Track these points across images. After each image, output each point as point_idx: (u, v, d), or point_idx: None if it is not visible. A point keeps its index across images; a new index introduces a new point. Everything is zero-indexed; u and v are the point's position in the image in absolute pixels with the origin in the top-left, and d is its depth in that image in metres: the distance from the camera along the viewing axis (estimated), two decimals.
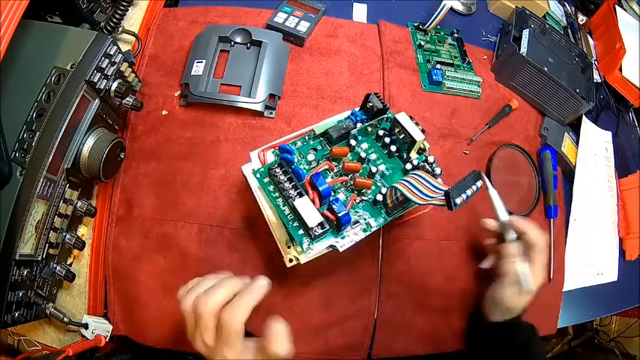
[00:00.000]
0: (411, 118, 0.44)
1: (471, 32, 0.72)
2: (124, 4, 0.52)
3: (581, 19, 0.86)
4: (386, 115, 0.46)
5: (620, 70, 0.77)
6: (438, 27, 0.68)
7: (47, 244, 0.40)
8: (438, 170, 0.43)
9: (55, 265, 0.42)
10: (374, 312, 0.52)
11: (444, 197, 0.36)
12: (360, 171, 0.43)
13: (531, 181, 0.64)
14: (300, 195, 0.37)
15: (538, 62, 0.64)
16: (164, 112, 0.56)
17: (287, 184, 0.38)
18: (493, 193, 0.44)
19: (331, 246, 0.39)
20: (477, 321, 0.51)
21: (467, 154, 0.61)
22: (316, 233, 0.36)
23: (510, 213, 0.48)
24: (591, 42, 0.85)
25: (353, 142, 0.43)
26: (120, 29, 0.56)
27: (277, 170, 0.39)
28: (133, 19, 0.60)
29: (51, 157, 0.38)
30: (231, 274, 0.40)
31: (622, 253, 0.68)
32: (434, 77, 0.63)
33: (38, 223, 0.38)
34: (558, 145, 0.67)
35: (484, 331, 0.49)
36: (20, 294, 0.38)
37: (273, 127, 0.56)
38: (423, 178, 0.38)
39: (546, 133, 0.66)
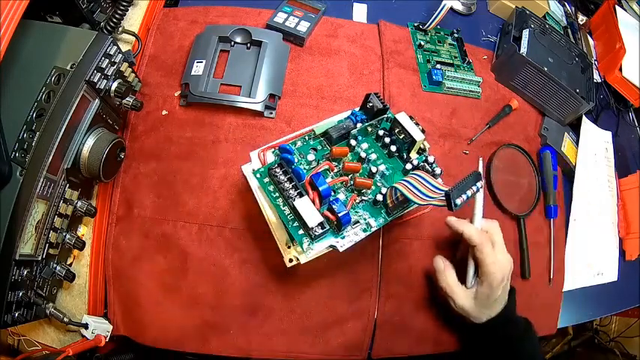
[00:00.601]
0: (411, 118, 0.44)
1: (471, 32, 0.72)
2: (124, 4, 0.52)
3: (581, 19, 0.86)
4: (386, 115, 0.46)
5: (620, 70, 0.77)
6: (438, 27, 0.68)
7: (47, 244, 0.40)
8: (438, 170, 0.43)
9: (55, 265, 0.42)
10: (374, 312, 0.52)
11: (444, 198, 0.36)
12: (360, 171, 0.43)
13: (531, 181, 0.64)
14: (300, 195, 0.37)
15: (538, 62, 0.64)
16: (164, 112, 0.56)
17: (287, 184, 0.38)
18: (479, 199, 0.48)
19: (331, 246, 0.39)
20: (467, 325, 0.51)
21: (467, 154, 0.61)
22: (316, 233, 0.36)
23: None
24: (591, 42, 0.85)
25: (353, 142, 0.43)
26: (120, 29, 0.56)
27: (277, 170, 0.39)
28: (133, 19, 0.60)
29: (51, 157, 0.38)
30: None
31: (622, 253, 0.68)
32: (434, 77, 0.63)
33: (38, 223, 0.38)
34: (558, 145, 0.67)
35: (478, 330, 0.48)
36: (20, 294, 0.38)
37: (273, 127, 0.56)
38: (423, 179, 0.38)
39: (546, 133, 0.66)
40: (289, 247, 0.43)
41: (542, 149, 0.65)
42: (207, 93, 0.55)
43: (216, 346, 0.49)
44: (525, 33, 0.67)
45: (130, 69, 0.49)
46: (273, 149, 0.43)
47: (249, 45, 0.58)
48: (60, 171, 0.40)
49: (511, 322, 0.49)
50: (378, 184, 0.43)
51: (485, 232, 0.48)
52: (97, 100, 0.44)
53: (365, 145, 0.44)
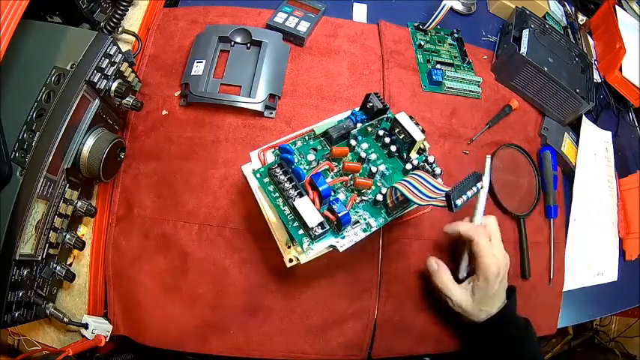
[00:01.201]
0: (411, 118, 0.44)
1: (471, 32, 0.72)
2: (124, 4, 0.52)
3: (581, 19, 0.86)
4: (386, 115, 0.46)
5: (620, 70, 0.77)
6: (438, 27, 0.68)
7: (47, 244, 0.40)
8: (438, 170, 0.43)
9: (55, 265, 0.42)
10: (374, 312, 0.52)
11: (444, 198, 0.36)
12: (360, 171, 0.43)
13: (531, 181, 0.64)
14: (300, 195, 0.37)
15: (538, 62, 0.64)
16: (164, 112, 0.56)
17: (287, 184, 0.38)
18: (483, 196, 0.50)
19: (331, 246, 0.39)
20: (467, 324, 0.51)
21: (467, 154, 0.61)
22: (316, 233, 0.36)
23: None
24: (591, 42, 0.85)
25: (353, 142, 0.43)
26: (120, 29, 0.56)
27: (277, 170, 0.39)
28: (133, 19, 0.60)
29: (51, 157, 0.38)
30: None
31: (622, 253, 0.68)
32: (434, 77, 0.63)
33: (38, 223, 0.38)
34: (558, 145, 0.67)
35: (478, 329, 0.49)
36: (20, 294, 0.38)
37: (273, 127, 0.56)
38: (423, 179, 0.38)
39: (546, 133, 0.66)
40: (289, 247, 0.43)
41: (542, 149, 0.65)
42: (207, 93, 0.55)
43: (216, 346, 0.49)
44: (525, 33, 0.67)
45: (130, 69, 0.49)
46: (273, 149, 0.43)
47: (249, 45, 0.58)
48: (60, 171, 0.40)
49: (511, 321, 0.49)
50: (378, 184, 0.43)
51: (482, 227, 0.50)
52: (97, 100, 0.44)
53: (365, 145, 0.44)
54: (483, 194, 0.50)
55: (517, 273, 0.59)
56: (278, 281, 0.51)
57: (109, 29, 0.53)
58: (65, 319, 0.43)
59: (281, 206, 0.39)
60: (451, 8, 0.72)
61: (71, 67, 0.40)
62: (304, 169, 0.41)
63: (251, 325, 0.50)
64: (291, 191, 0.38)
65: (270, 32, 0.59)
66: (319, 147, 0.44)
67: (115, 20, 0.53)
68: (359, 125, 0.44)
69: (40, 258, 0.40)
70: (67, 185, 0.42)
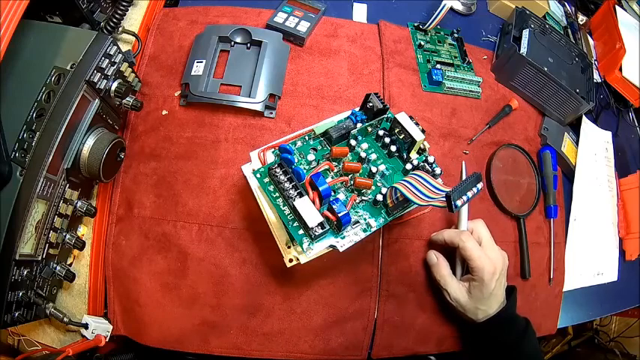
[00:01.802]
0: (411, 118, 0.44)
1: (471, 32, 0.72)
2: (124, 4, 0.52)
3: (581, 19, 0.86)
4: (386, 115, 0.46)
5: (620, 70, 0.77)
6: (438, 27, 0.68)
7: (47, 244, 0.40)
8: (438, 170, 0.43)
9: (55, 265, 0.42)
10: (374, 312, 0.52)
11: (444, 199, 0.36)
12: (360, 171, 0.43)
13: (531, 181, 0.64)
14: (300, 195, 0.37)
15: (538, 62, 0.64)
16: (164, 112, 0.56)
17: (287, 184, 0.38)
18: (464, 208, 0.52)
19: (331, 246, 0.39)
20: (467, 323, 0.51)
21: (467, 154, 0.61)
22: (316, 233, 0.36)
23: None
24: (591, 42, 0.85)
25: (353, 142, 0.43)
26: (120, 29, 0.56)
27: (277, 170, 0.39)
28: (133, 19, 0.60)
29: (51, 157, 0.38)
30: None
31: (622, 253, 0.68)
32: (434, 77, 0.63)
33: (38, 223, 0.38)
34: (558, 145, 0.67)
35: (479, 329, 0.49)
36: (20, 294, 0.38)
37: (273, 127, 0.56)
38: (423, 179, 0.38)
39: (546, 133, 0.66)
40: (289, 247, 0.43)
41: (542, 149, 0.66)
42: (207, 93, 0.55)
43: (216, 346, 0.49)
44: (525, 33, 0.67)
45: (130, 69, 0.49)
46: (273, 149, 0.43)
47: (249, 45, 0.58)
48: (60, 171, 0.40)
49: (511, 322, 0.49)
50: (378, 184, 0.43)
51: (467, 232, 0.50)
52: (97, 100, 0.44)
53: (365, 145, 0.44)
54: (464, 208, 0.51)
55: (517, 273, 0.59)
56: (278, 281, 0.51)
57: (109, 29, 0.53)
58: (65, 319, 0.43)
59: (281, 206, 0.39)
60: (451, 8, 0.72)
61: (71, 67, 0.39)
62: (304, 169, 0.41)
63: (251, 325, 0.50)
64: (291, 191, 0.38)
65: (270, 32, 0.59)
66: (319, 147, 0.44)
67: (115, 20, 0.53)
68: (359, 125, 0.44)
69: (40, 258, 0.40)
70: (67, 185, 0.42)
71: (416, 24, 0.68)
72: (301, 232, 0.38)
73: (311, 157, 0.42)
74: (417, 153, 0.45)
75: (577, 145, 0.69)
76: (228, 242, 0.51)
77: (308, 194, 0.38)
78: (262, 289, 0.51)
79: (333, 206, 0.37)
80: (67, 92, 0.39)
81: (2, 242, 0.34)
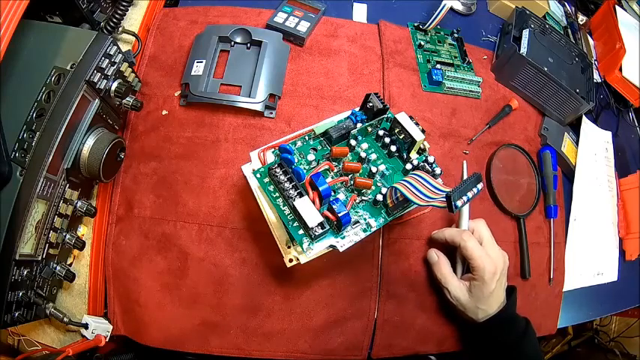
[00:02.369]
0: (411, 118, 0.44)
1: (471, 32, 0.72)
2: (124, 4, 0.52)
3: (581, 19, 0.86)
4: (386, 115, 0.46)
5: (620, 70, 0.77)
6: (438, 27, 0.68)
7: (47, 244, 0.40)
8: (438, 170, 0.43)
9: (55, 265, 0.42)
10: (374, 312, 0.52)
11: (444, 199, 0.36)
12: (360, 171, 0.43)
13: (531, 181, 0.64)
14: (300, 195, 0.37)
15: (538, 62, 0.64)
16: (164, 112, 0.56)
17: (287, 184, 0.38)
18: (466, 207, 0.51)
19: (331, 246, 0.39)
20: (467, 323, 0.51)
21: (467, 154, 0.61)
22: (316, 233, 0.36)
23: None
24: (591, 42, 0.84)
25: (353, 142, 0.43)
26: (120, 29, 0.56)
27: (277, 170, 0.39)
28: (133, 19, 0.60)
29: (51, 157, 0.38)
30: None
31: (622, 253, 0.68)
32: (434, 77, 0.63)
33: (38, 223, 0.38)
34: (558, 145, 0.67)
35: (479, 329, 0.49)
36: (20, 294, 0.38)
37: (273, 127, 0.56)
38: (423, 179, 0.38)
39: (546, 133, 0.66)
40: (289, 247, 0.43)
41: (542, 149, 0.66)
42: (207, 93, 0.55)
43: (216, 346, 0.49)
44: (525, 33, 0.67)
45: (130, 69, 0.49)
46: (273, 149, 0.43)
47: (249, 45, 0.58)
48: (60, 171, 0.40)
49: (511, 322, 0.49)
50: (378, 184, 0.43)
51: (469, 231, 0.50)
52: (97, 100, 0.44)
53: (365, 145, 0.44)
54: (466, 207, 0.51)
55: (517, 273, 0.59)
56: (278, 281, 0.51)
57: (109, 29, 0.53)
58: (65, 319, 0.43)
59: (281, 206, 0.39)
60: (451, 8, 0.72)
61: (71, 67, 0.40)
62: (304, 169, 0.41)
63: (251, 325, 0.50)
64: (291, 191, 0.38)
65: (270, 32, 0.59)
66: (319, 147, 0.44)
67: (115, 20, 0.53)
68: (359, 125, 0.44)
69: (40, 258, 0.40)
70: (67, 185, 0.42)
71: (416, 24, 0.68)
72: (301, 232, 0.38)
73: (311, 157, 0.42)
74: (417, 153, 0.45)
75: (577, 145, 0.69)
76: (228, 242, 0.51)
77: (308, 194, 0.38)
78: (262, 289, 0.51)
79: (333, 206, 0.37)
80: (67, 92, 0.39)
81: (2, 242, 0.34)
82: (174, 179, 0.53)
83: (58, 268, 0.43)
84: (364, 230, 0.40)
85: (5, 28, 0.33)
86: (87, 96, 0.42)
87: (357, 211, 0.41)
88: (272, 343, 0.50)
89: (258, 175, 0.40)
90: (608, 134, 0.74)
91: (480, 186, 0.38)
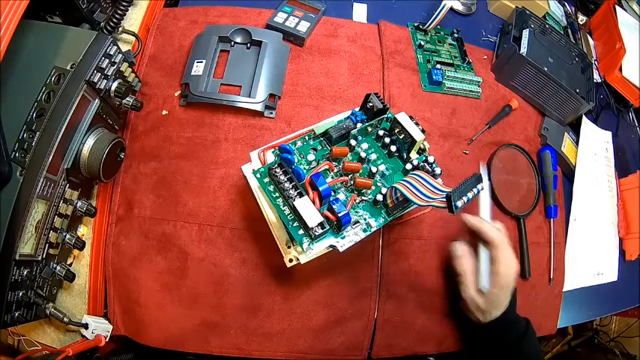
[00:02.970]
0: (411, 118, 0.44)
1: (471, 32, 0.72)
2: (124, 4, 0.52)
3: (581, 19, 0.87)
4: (386, 115, 0.46)
5: (620, 70, 0.77)
6: (438, 27, 0.68)
7: (47, 244, 0.40)
8: (438, 170, 0.43)
9: (55, 265, 0.42)
10: (374, 312, 0.52)
11: (444, 199, 0.36)
12: (360, 171, 0.43)
13: (531, 181, 0.64)
14: (300, 195, 0.37)
15: (538, 62, 0.64)
16: (164, 112, 0.56)
17: (287, 184, 0.38)
18: (485, 195, 0.47)
19: (331, 246, 0.39)
20: (469, 322, 0.50)
21: (467, 154, 0.61)
22: (316, 233, 0.36)
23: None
24: (591, 42, 0.85)
25: (353, 142, 0.43)
26: (120, 29, 0.56)
27: (277, 170, 0.39)
28: (133, 19, 0.60)
29: (51, 157, 0.38)
30: None
31: (622, 253, 0.68)
32: (434, 77, 0.63)
33: (38, 223, 0.38)
34: (558, 145, 0.67)
35: (480, 330, 0.48)
36: (20, 294, 0.38)
37: (273, 127, 0.56)
38: (423, 179, 0.38)
39: (546, 133, 0.66)
40: (289, 247, 0.43)
41: (542, 149, 0.66)
42: (207, 93, 0.55)
43: (217, 346, 0.49)
44: (525, 33, 0.67)
45: (130, 69, 0.49)
46: (273, 149, 0.43)
47: (249, 45, 0.58)
48: (60, 171, 0.40)
49: (512, 323, 0.49)
50: (378, 184, 0.43)
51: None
52: (97, 100, 0.44)
53: (365, 145, 0.44)
54: (485, 199, 0.48)
55: (517, 273, 0.59)
56: (278, 281, 0.51)
57: (109, 29, 0.53)
58: (65, 319, 0.43)
59: (281, 206, 0.39)
60: (451, 8, 0.72)
61: (71, 67, 0.40)
62: (304, 169, 0.41)
63: (251, 325, 0.50)
64: (291, 191, 0.38)
65: (270, 32, 0.59)
66: (319, 147, 0.44)
67: (115, 20, 0.53)
68: (359, 125, 0.44)
69: (40, 258, 0.40)
70: (67, 185, 0.42)
71: (416, 24, 0.68)
72: (301, 232, 0.38)
73: (311, 157, 0.42)
74: (417, 153, 0.45)
75: (577, 145, 0.69)
76: (228, 242, 0.51)
77: (308, 194, 0.38)
78: (262, 289, 0.51)
79: (333, 206, 0.37)
80: (67, 92, 0.39)
81: (2, 242, 0.34)
82: (174, 179, 0.53)
83: (58, 268, 0.43)
84: (364, 230, 0.40)
85: (5, 28, 0.33)
86: (87, 96, 0.42)
87: (357, 211, 0.41)
88: (272, 343, 0.50)
89: (258, 175, 0.40)
90: (608, 134, 0.74)
91: (480, 186, 0.38)
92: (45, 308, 0.42)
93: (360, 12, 0.69)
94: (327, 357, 0.51)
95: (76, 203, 0.43)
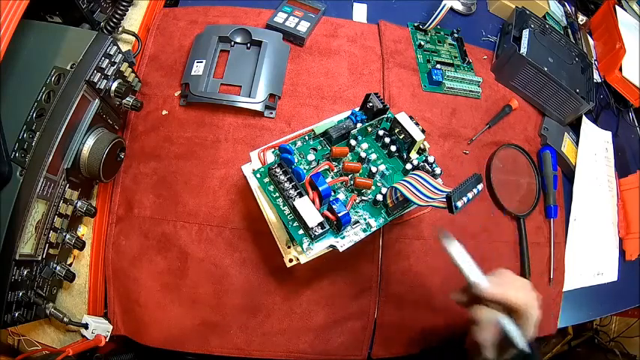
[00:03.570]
0: (411, 118, 0.44)
1: (471, 32, 0.72)
2: (124, 4, 0.52)
3: (581, 19, 0.87)
4: (386, 115, 0.46)
5: (620, 70, 0.77)
6: (438, 27, 0.68)
7: (47, 244, 0.40)
8: (438, 170, 0.43)
9: (55, 265, 0.42)
10: (374, 312, 0.52)
11: (444, 199, 0.36)
12: (360, 171, 0.43)
13: (531, 181, 0.64)
14: (300, 195, 0.37)
15: (538, 62, 0.64)
16: (164, 112, 0.56)
17: (287, 184, 0.38)
18: (461, 257, 0.38)
19: (331, 246, 0.39)
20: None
21: (467, 154, 0.61)
22: (316, 233, 0.36)
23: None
24: (591, 42, 0.85)
25: (353, 142, 0.43)
26: (120, 29, 0.56)
27: (277, 170, 0.39)
28: (133, 19, 0.60)
29: (51, 157, 0.38)
30: None
31: (622, 253, 0.68)
32: (434, 77, 0.63)
33: (38, 223, 0.38)
34: (558, 145, 0.67)
35: None
36: (20, 294, 0.38)
37: (273, 127, 0.56)
38: (423, 179, 0.38)
39: (546, 133, 0.66)
40: (289, 247, 0.43)
41: (542, 149, 0.66)
42: (207, 93, 0.55)
43: (217, 346, 0.49)
44: (525, 33, 0.67)
45: (130, 69, 0.49)
46: (273, 149, 0.43)
47: (249, 45, 0.58)
48: (60, 171, 0.40)
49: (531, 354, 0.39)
50: (378, 184, 0.43)
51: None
52: (97, 100, 0.44)
53: (365, 145, 0.44)
54: (459, 255, 0.39)
55: (517, 273, 0.59)
56: (278, 281, 0.51)
57: (109, 29, 0.53)
58: (65, 319, 0.43)
59: (281, 206, 0.39)
60: (451, 8, 0.72)
61: (71, 67, 0.40)
62: (304, 169, 0.41)
63: (251, 325, 0.50)
64: (291, 191, 0.38)
65: (270, 32, 0.59)
66: (319, 147, 0.44)
67: (115, 20, 0.53)
68: (359, 125, 0.44)
69: (40, 258, 0.40)
70: (67, 185, 0.42)
71: (416, 24, 0.68)
72: (301, 232, 0.38)
73: (311, 157, 0.42)
74: (417, 153, 0.45)
75: (577, 145, 0.69)
76: (228, 242, 0.51)
77: (308, 194, 0.38)
78: (262, 289, 0.51)
79: (333, 206, 0.37)
80: (67, 92, 0.39)
81: (2, 242, 0.34)
82: (174, 179, 0.53)
83: (58, 268, 0.43)
84: (364, 230, 0.40)
85: (5, 28, 0.33)
86: (87, 96, 0.42)
87: (357, 211, 0.41)
88: (272, 343, 0.50)
89: (258, 175, 0.40)
90: (608, 134, 0.74)
91: (480, 187, 0.38)
92: (45, 308, 0.42)
93: (360, 12, 0.69)
94: (327, 357, 0.51)
95: (76, 203, 0.43)
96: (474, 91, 0.65)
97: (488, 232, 0.59)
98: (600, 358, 1.16)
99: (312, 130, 0.44)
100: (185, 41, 0.59)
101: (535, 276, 0.59)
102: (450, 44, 0.69)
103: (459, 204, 0.36)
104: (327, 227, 0.37)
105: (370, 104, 0.45)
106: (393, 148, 0.44)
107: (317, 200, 0.37)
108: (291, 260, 0.43)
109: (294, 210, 0.37)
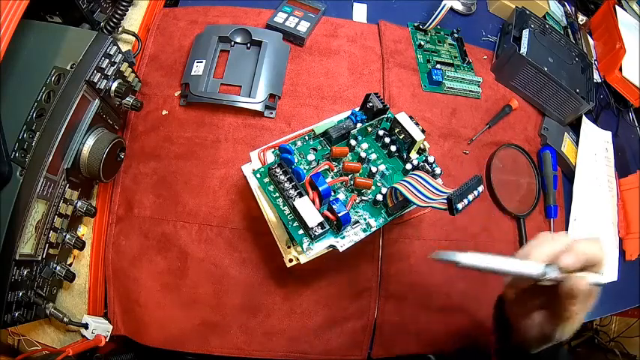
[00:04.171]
0: (411, 118, 0.44)
1: (471, 32, 0.72)
2: (124, 4, 0.52)
3: (581, 19, 0.87)
4: (386, 115, 0.46)
5: (620, 70, 0.77)
6: (438, 27, 0.68)
7: (47, 244, 0.40)
8: (438, 170, 0.43)
9: (55, 265, 0.42)
10: (374, 312, 0.52)
11: (444, 201, 0.36)
12: (360, 171, 0.43)
13: (531, 181, 0.64)
14: (300, 195, 0.37)
15: (538, 62, 0.64)
16: (164, 112, 0.56)
17: (287, 184, 0.38)
18: (484, 260, 0.31)
19: (331, 246, 0.39)
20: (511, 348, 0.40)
21: (467, 154, 0.61)
22: (316, 233, 0.36)
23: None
24: (591, 42, 0.85)
25: (353, 142, 0.43)
26: (120, 29, 0.56)
27: (277, 170, 0.39)
28: (133, 19, 0.60)
29: (51, 157, 0.38)
30: None
31: (622, 253, 0.68)
32: (434, 77, 0.63)
33: (38, 223, 0.38)
34: (558, 145, 0.67)
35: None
36: (20, 294, 0.38)
37: (273, 127, 0.56)
38: (423, 179, 0.38)
39: (546, 133, 0.66)
40: (289, 247, 0.43)
41: (542, 149, 0.66)
42: (207, 93, 0.55)
43: (216, 346, 0.49)
44: (525, 33, 0.67)
45: (130, 69, 0.49)
46: (273, 149, 0.43)
47: (249, 45, 0.58)
48: (60, 171, 0.40)
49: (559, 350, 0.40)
50: (378, 184, 0.43)
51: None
52: (97, 100, 0.44)
53: (365, 145, 0.44)
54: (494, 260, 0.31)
55: None
56: (278, 281, 0.51)
57: (109, 29, 0.53)
58: (65, 319, 0.43)
59: (281, 206, 0.39)
60: (451, 8, 0.72)
61: (71, 67, 0.40)
62: (304, 169, 0.41)
63: (251, 325, 0.50)
64: (291, 191, 0.38)
65: (270, 32, 0.59)
66: (319, 147, 0.44)
67: (115, 20, 0.53)
68: (359, 125, 0.44)
69: (40, 258, 0.40)
70: (67, 185, 0.42)
71: (416, 24, 0.68)
72: (301, 232, 0.38)
73: (311, 157, 0.42)
74: (417, 153, 0.45)
75: (577, 145, 0.69)
76: (228, 242, 0.51)
77: (308, 194, 0.38)
78: (262, 289, 0.51)
79: (333, 206, 0.37)
80: (67, 92, 0.39)
81: (2, 242, 0.34)
82: (174, 179, 0.53)
83: (58, 268, 0.42)
84: (364, 230, 0.40)
85: (5, 28, 0.33)
86: (87, 96, 0.42)
87: (357, 211, 0.41)
88: (272, 343, 0.50)
89: (258, 175, 0.40)
90: (608, 134, 0.74)
91: (480, 189, 0.38)
92: (45, 308, 0.42)
93: (360, 12, 0.69)
94: (327, 357, 0.51)
95: (76, 203, 0.43)
96: (474, 91, 0.65)
97: (488, 232, 0.59)
98: (600, 358, 1.16)
99: (312, 130, 0.44)
100: (185, 41, 0.59)
101: None
102: (450, 44, 0.69)
103: (460, 206, 0.36)
104: (327, 227, 0.37)
105: (370, 104, 0.45)
106: (393, 148, 0.44)
107: (317, 200, 0.37)
108: (291, 260, 0.43)
109: (294, 210, 0.38)
